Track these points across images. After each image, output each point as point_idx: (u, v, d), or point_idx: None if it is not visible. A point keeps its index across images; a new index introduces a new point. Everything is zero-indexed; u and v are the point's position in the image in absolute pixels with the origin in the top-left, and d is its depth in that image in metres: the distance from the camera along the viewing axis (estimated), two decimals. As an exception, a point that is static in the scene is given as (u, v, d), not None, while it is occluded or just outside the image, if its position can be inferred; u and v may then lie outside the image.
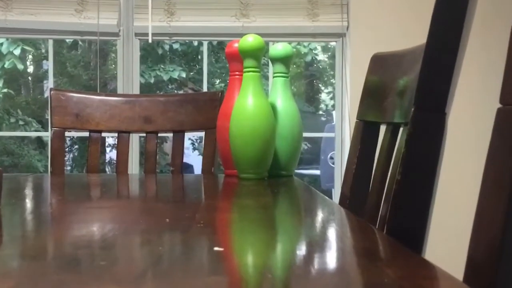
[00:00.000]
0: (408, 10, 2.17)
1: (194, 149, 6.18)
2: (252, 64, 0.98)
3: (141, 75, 5.05)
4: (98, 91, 2.31)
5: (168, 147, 5.74)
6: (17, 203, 0.67)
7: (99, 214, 0.60)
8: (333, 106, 4.95)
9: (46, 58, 5.59)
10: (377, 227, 0.73)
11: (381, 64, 0.91)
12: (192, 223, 0.53)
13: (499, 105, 0.45)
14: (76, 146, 5.86)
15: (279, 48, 1.06)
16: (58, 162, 1.26)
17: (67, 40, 5.57)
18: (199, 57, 6.11)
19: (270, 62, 1.30)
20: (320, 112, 7.43)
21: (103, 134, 1.32)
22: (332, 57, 5.96)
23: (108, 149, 5.81)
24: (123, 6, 2.23)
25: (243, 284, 0.32)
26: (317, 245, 0.45)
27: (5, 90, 5.55)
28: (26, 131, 5.29)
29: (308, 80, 7.31)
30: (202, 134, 1.29)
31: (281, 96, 1.05)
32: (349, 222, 0.59)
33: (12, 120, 5.31)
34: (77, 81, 5.81)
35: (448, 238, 2.05)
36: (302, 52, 6.29)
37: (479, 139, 2.14)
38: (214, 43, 5.60)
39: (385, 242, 0.48)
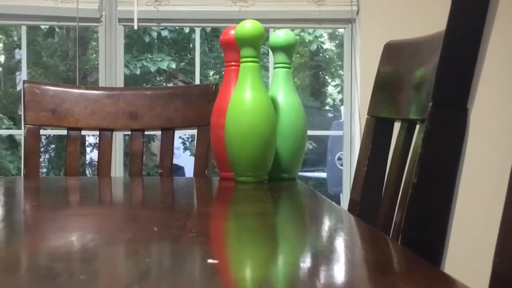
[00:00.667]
0: (426, -7, 2.17)
1: (185, 149, 6.18)
2: (250, 53, 0.98)
3: (126, 66, 5.05)
4: (77, 84, 2.31)
5: (156, 146, 5.74)
6: (-14, 209, 0.67)
7: (78, 222, 0.60)
8: (341, 100, 4.95)
9: (19, 46, 5.59)
10: (390, 236, 0.73)
11: (395, 54, 0.91)
12: (183, 232, 0.52)
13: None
14: (53, 146, 5.86)
15: (280, 35, 1.06)
16: (32, 163, 1.26)
17: (42, 27, 5.57)
18: (191, 45, 6.11)
19: (270, 51, 1.30)
20: (327, 108, 7.43)
21: (83, 132, 1.31)
22: (340, 45, 5.96)
23: (88, 149, 5.81)
24: (105, -12, 2.23)
25: (240, 300, 0.32)
26: (323, 257, 0.45)
27: (-28, 82, 5.55)
28: (-4, 128, 5.29)
29: (313, 72, 7.31)
30: (194, 132, 1.29)
31: (282, 89, 1.05)
32: (359, 231, 0.59)
33: (-20, 116, 5.31)
34: (54, 72, 5.81)
35: (470, 249, 2.05)
36: (307, 40, 6.29)
37: (504, 138, 2.14)
38: (208, 30, 5.59)
39: (399, 254, 0.48)
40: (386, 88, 0.91)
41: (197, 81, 2.43)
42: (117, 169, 2.24)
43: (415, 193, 0.57)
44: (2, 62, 6.25)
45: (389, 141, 0.91)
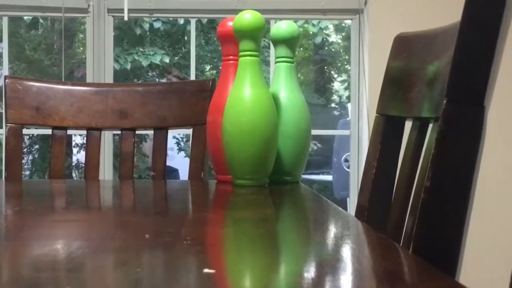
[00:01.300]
0: (439, -19, 2.17)
1: (180, 149, 6.19)
2: (250, 46, 0.98)
3: (115, 60, 5.05)
4: (63, 80, 2.31)
5: (148, 147, 5.74)
6: (-36, 215, 0.67)
7: (64, 228, 0.60)
8: (348, 97, 4.95)
9: (0, 39, 5.59)
10: (401, 244, 0.73)
11: (406, 47, 0.91)
12: (177, 240, 0.53)
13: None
14: (36, 146, 5.86)
15: (282, 27, 1.06)
16: (14, 165, 1.26)
17: (25, 18, 5.57)
18: (186, 38, 6.11)
19: (271, 45, 1.30)
20: (333, 105, 7.43)
21: (69, 132, 1.31)
22: (347, 38, 5.96)
23: (75, 150, 5.81)
24: (93, -24, 2.23)
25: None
26: (328, 266, 0.45)
27: (-50, 78, 5.56)
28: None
29: (318, 66, 7.32)
30: (189, 131, 1.29)
31: (285, 85, 1.05)
32: (367, 238, 0.59)
33: (-42, 114, 5.31)
34: (38, 67, 5.81)
35: (487, 257, 2.05)
36: (311, 32, 6.30)
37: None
38: (204, 21, 5.60)
39: (411, 263, 0.48)
40: (397, 84, 0.91)
41: (193, 77, 2.43)
42: (106, 171, 2.24)
43: (428, 198, 0.57)
44: (-18, 56, 6.25)
45: (400, 141, 0.91)
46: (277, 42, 1.07)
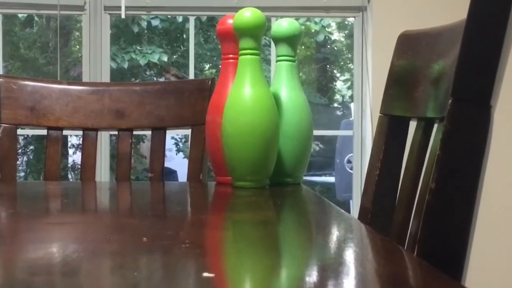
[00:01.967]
0: (444, -23, 2.17)
1: (178, 150, 6.19)
2: (250, 45, 0.98)
3: (112, 59, 5.05)
4: (59, 79, 2.31)
5: (145, 148, 5.74)
6: (-43, 218, 0.67)
7: (59, 231, 0.60)
8: (351, 97, 4.94)
9: (-6, 37, 5.59)
10: (405, 247, 0.73)
11: (410, 45, 0.91)
12: (175, 243, 0.52)
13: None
14: (31, 147, 5.86)
15: (283, 25, 1.06)
16: (8, 166, 1.26)
17: (20, 15, 5.57)
18: (184, 36, 6.12)
19: (272, 43, 1.30)
20: (335, 105, 7.43)
21: (65, 132, 1.31)
22: (350, 36, 5.96)
23: (71, 151, 5.81)
24: (89, -27, 2.24)
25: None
26: (331, 270, 0.45)
27: None
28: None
29: (320, 65, 7.32)
30: (188, 132, 1.29)
31: (286, 84, 1.05)
32: (371, 241, 0.59)
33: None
34: (33, 66, 5.81)
35: (493, 260, 2.05)
36: (313, 30, 6.29)
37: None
38: (203, 19, 5.60)
39: (416, 266, 0.48)
40: (401, 83, 0.91)
41: (191, 76, 2.43)
42: (103, 173, 2.24)
43: (433, 200, 0.57)
44: (-25, 54, 6.26)
45: (404, 142, 0.91)
46: (278, 40, 1.07)
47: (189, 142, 1.29)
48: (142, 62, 5.64)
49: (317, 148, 6.34)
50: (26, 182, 3.45)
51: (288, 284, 0.41)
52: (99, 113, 1.29)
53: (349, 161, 4.76)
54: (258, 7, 1.01)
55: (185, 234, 0.58)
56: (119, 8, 2.22)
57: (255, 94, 0.96)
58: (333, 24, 6.61)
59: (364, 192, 0.94)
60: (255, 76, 0.97)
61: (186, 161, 1.30)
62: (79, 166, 1.32)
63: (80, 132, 1.30)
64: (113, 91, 1.30)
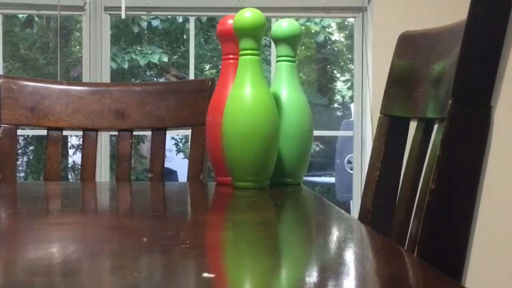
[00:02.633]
0: (445, -22, 2.17)
1: (178, 151, 6.19)
2: (250, 45, 0.98)
3: (112, 59, 5.06)
4: (59, 79, 2.31)
5: (145, 148, 5.74)
6: (-43, 218, 0.67)
7: (59, 232, 0.60)
8: (351, 97, 4.95)
9: (-6, 37, 5.59)
10: (405, 248, 0.73)
11: (411, 46, 0.91)
12: (175, 243, 0.52)
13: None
14: (31, 147, 5.86)
15: (283, 25, 1.06)
16: (8, 166, 1.26)
17: (20, 16, 5.57)
18: (185, 36, 6.12)
19: (272, 43, 1.30)
20: (335, 105, 7.43)
21: (65, 133, 1.31)
22: (350, 36, 5.96)
23: (71, 151, 5.81)
24: (89, -27, 2.24)
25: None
26: (331, 271, 0.44)
27: None
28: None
29: (320, 66, 7.32)
30: (188, 132, 1.29)
31: (286, 85, 1.05)
32: (371, 242, 0.59)
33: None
34: (33, 66, 5.81)
35: (494, 260, 2.05)
36: (313, 31, 6.29)
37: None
38: (203, 19, 5.60)
39: (416, 267, 0.48)
40: (401, 84, 0.91)
41: (192, 76, 2.43)
42: (103, 173, 2.24)
43: (433, 200, 0.57)
44: (-24, 55, 6.26)
45: (404, 142, 0.91)
46: (278, 40, 1.07)
47: (189, 143, 1.29)
48: (142, 62, 5.64)
49: (317, 149, 6.34)
50: (26, 182, 3.45)
51: (288, 284, 0.41)
52: (99, 113, 1.29)
53: (349, 162, 4.76)
54: (258, 8, 1.01)
55: (185, 235, 0.58)
56: (119, 8, 2.22)
57: (255, 95, 0.96)
58: (333, 25, 6.62)
59: (364, 193, 0.94)
60: (255, 76, 0.97)
61: (186, 161, 1.31)
62: (79, 167, 1.32)
63: (80, 133, 1.30)
64: (113, 92, 1.30)
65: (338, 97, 7.41)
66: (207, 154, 1.17)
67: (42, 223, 0.65)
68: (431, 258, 0.56)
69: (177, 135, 5.79)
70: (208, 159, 1.19)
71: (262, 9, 1.05)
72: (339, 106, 7.41)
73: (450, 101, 0.57)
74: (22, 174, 5.67)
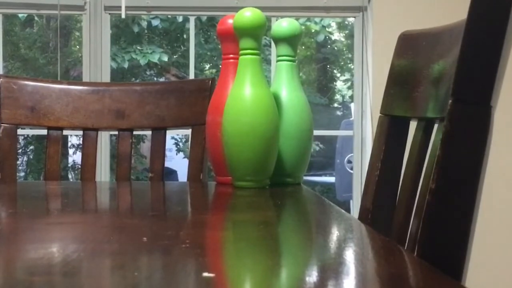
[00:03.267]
0: (445, -22, 2.17)
1: (178, 150, 6.19)
2: (250, 45, 0.98)
3: (112, 59, 5.05)
4: (59, 79, 2.31)
5: (145, 148, 5.74)
6: (-43, 218, 0.67)
7: (59, 231, 0.60)
8: (351, 97, 4.95)
9: (-6, 37, 5.58)
10: (406, 247, 0.73)
11: (411, 45, 0.91)
12: (175, 243, 0.52)
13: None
14: (32, 147, 5.86)
15: (283, 25, 1.06)
16: (8, 166, 1.26)
17: (20, 15, 5.57)
18: (185, 36, 6.11)
19: (272, 43, 1.30)
20: (335, 105, 7.43)
21: (65, 132, 1.31)
22: (350, 36, 5.96)
23: (71, 151, 5.81)
24: (89, -27, 2.23)
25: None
26: (331, 270, 0.44)
27: None
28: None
29: (320, 65, 7.32)
30: (188, 132, 1.29)
31: (286, 84, 1.05)
32: (371, 241, 0.59)
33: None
34: (33, 66, 5.81)
35: (494, 260, 2.05)
36: (313, 30, 6.29)
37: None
38: (203, 19, 5.59)
39: (416, 267, 0.48)
40: (401, 83, 0.91)
41: (192, 76, 2.43)
42: (103, 173, 2.24)
43: (433, 200, 0.57)
44: (-24, 54, 6.26)
45: (404, 142, 0.91)
46: (278, 40, 1.07)
47: (189, 142, 1.29)
48: (142, 62, 5.64)
49: (317, 148, 6.34)
50: (26, 182, 3.45)
51: (288, 284, 0.41)
52: (99, 113, 1.29)
53: (349, 161, 4.76)
54: (258, 7, 1.01)
55: (185, 234, 0.58)
56: (119, 8, 2.21)
57: (255, 94, 0.96)
58: (333, 24, 6.61)
59: (364, 192, 0.94)
60: (255, 76, 0.97)
61: (186, 161, 1.31)
62: (79, 166, 1.32)
63: (80, 132, 1.30)
64: (113, 91, 1.30)
65: (338, 96, 7.42)
66: (207, 154, 1.17)
67: (42, 223, 0.65)
68: (431, 258, 0.56)
69: (177, 135, 5.79)
70: (208, 159, 1.19)
71: (262, 8, 1.05)
72: (339, 106, 7.42)
73: (450, 101, 0.57)
74: (22, 174, 5.67)
